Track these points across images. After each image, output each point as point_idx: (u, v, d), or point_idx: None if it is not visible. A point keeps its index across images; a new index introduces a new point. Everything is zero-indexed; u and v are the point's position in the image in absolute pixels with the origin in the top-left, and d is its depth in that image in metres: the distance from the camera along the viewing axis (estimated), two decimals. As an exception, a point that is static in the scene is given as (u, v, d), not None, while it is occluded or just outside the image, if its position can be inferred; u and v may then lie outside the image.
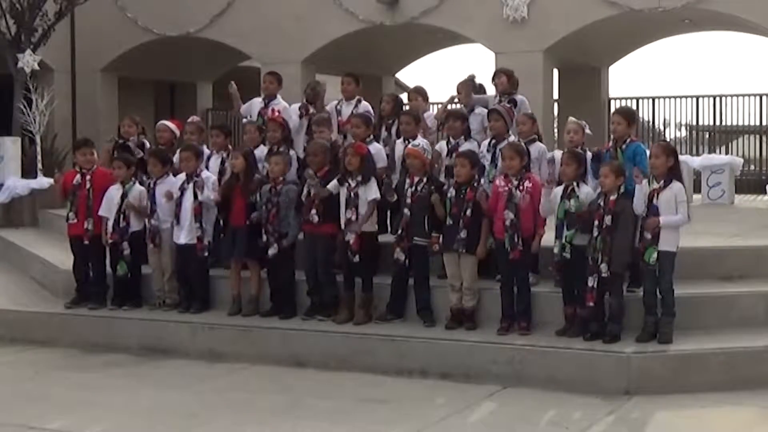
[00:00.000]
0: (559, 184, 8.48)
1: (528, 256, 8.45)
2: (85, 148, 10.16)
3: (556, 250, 8.27)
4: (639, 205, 8.02)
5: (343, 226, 8.95)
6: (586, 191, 8.21)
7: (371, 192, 8.95)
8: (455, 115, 9.54)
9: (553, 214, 8.37)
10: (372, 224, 9.09)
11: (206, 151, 10.28)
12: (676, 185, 7.98)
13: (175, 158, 10.04)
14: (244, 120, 11.17)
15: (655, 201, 7.95)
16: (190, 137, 10.44)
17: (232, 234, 9.51)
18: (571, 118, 9.01)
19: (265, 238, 9.24)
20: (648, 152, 8.26)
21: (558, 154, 8.83)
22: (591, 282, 7.98)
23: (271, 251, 9.20)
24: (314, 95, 10.99)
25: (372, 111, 10.56)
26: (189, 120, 10.90)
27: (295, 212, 9.20)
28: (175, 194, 9.56)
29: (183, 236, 9.60)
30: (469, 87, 10.21)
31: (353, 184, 8.93)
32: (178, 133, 10.83)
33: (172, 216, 9.64)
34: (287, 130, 10.11)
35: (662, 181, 7.97)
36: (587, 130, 8.85)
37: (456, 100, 10.59)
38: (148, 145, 11.03)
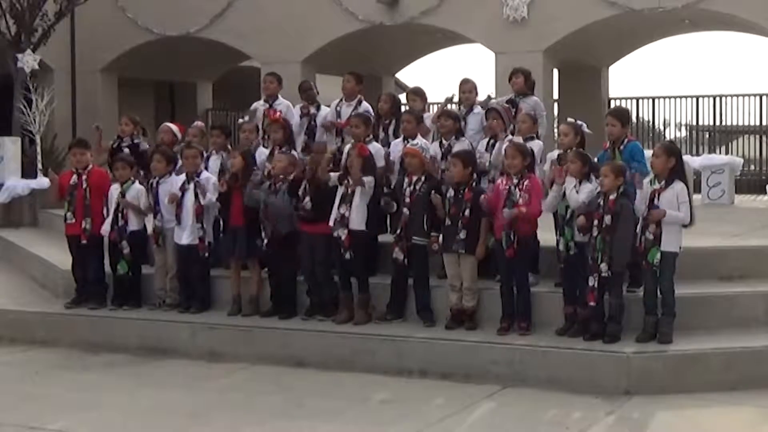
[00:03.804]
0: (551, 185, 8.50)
1: (527, 256, 8.45)
2: (77, 148, 10.15)
3: (561, 247, 8.29)
4: (640, 207, 8.01)
5: (332, 223, 8.95)
6: (589, 189, 8.18)
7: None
8: (447, 114, 9.54)
9: (553, 209, 8.39)
10: (361, 224, 8.98)
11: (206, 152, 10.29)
12: (678, 185, 7.95)
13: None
14: (240, 120, 11.17)
15: (656, 201, 7.92)
16: (192, 140, 10.45)
17: (232, 234, 9.52)
18: (570, 120, 8.99)
19: (263, 235, 9.23)
20: (646, 152, 8.26)
21: (553, 154, 8.83)
22: (592, 281, 7.98)
23: (264, 242, 9.20)
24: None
25: (372, 111, 10.55)
26: (193, 125, 10.97)
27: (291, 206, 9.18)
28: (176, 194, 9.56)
29: (185, 237, 9.60)
30: (485, 102, 10.25)
31: (351, 183, 8.92)
32: (180, 135, 10.84)
33: (174, 216, 9.64)
34: (289, 130, 10.10)
35: (663, 181, 7.96)
36: (586, 129, 8.84)
37: (455, 99, 10.57)
38: (146, 146, 11.02)
